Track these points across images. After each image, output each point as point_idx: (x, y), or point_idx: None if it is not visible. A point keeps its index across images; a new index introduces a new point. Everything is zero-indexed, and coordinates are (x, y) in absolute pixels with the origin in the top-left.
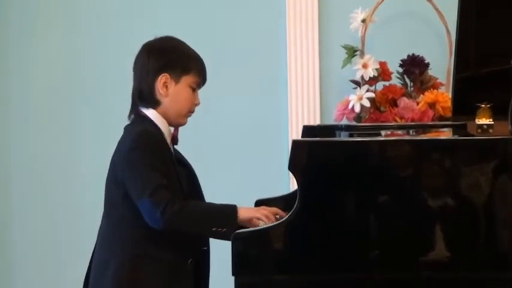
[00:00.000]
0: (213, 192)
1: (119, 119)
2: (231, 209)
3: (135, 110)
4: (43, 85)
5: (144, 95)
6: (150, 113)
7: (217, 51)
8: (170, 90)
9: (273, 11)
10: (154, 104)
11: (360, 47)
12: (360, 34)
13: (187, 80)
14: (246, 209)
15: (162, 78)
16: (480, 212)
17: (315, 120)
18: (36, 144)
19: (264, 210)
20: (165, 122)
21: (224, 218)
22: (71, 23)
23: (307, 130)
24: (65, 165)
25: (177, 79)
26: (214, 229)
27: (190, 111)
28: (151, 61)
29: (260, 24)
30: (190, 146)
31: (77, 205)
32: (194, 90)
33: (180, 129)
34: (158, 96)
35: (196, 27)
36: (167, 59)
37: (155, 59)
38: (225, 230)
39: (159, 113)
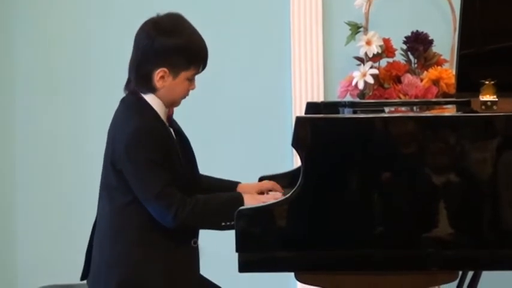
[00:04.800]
0: (217, 169)
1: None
2: (237, 202)
3: (131, 88)
4: (48, 64)
5: (141, 81)
6: (147, 96)
7: (220, 28)
8: (167, 83)
9: None
10: (151, 90)
11: (363, 23)
12: (363, 11)
13: (185, 74)
14: (250, 198)
15: (160, 73)
16: (484, 188)
17: (319, 97)
18: (42, 123)
19: (265, 198)
20: (161, 103)
21: (232, 213)
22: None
23: (311, 107)
24: (71, 146)
25: (175, 75)
26: (223, 224)
27: (185, 97)
28: (154, 48)
29: (263, 0)
30: (193, 123)
31: (83, 187)
32: (192, 80)
33: (185, 106)
34: (154, 85)
35: (200, 1)
36: (169, 55)
37: (157, 50)
38: (233, 223)
39: (156, 96)
